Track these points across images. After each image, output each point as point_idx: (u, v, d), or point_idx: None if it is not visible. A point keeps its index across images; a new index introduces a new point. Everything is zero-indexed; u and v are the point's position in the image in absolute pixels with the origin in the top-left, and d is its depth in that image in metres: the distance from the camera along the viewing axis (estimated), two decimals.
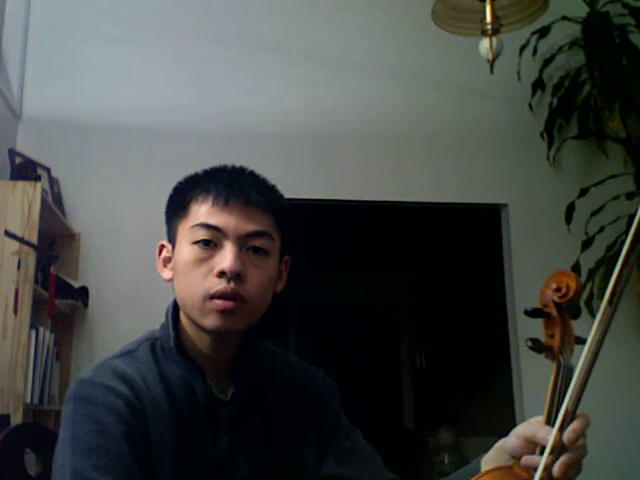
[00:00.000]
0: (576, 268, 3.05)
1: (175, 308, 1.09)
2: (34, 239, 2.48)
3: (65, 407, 1.01)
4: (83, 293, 2.94)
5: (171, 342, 1.06)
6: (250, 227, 1.04)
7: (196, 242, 1.03)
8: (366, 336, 6.60)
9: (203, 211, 1.04)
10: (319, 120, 3.31)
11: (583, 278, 3.05)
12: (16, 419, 2.33)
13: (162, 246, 1.11)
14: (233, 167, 1.10)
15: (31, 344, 2.47)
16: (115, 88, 3.20)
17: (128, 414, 0.98)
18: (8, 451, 1.02)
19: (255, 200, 1.05)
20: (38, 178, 2.71)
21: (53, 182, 2.95)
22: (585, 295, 3.06)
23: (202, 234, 1.03)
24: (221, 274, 1.01)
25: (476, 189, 3.37)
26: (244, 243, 1.04)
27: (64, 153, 3.09)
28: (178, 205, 1.08)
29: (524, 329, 3.15)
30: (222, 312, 1.01)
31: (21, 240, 2.44)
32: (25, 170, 2.75)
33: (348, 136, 3.31)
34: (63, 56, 3.23)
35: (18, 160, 2.83)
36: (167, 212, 1.11)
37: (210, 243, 1.03)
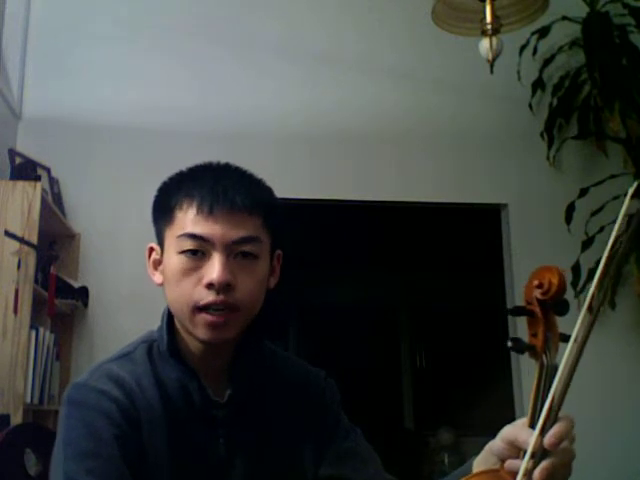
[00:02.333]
0: (576, 268, 3.05)
1: (170, 311, 1.09)
2: (34, 239, 2.48)
3: (60, 411, 1.02)
4: (83, 293, 2.94)
5: (164, 346, 1.06)
6: (237, 234, 1.02)
7: (183, 252, 1.02)
8: (366, 336, 6.60)
9: (188, 220, 1.02)
10: (319, 120, 3.31)
11: (583, 278, 3.05)
12: (16, 419, 2.33)
13: (151, 248, 1.10)
14: (217, 166, 1.08)
15: (31, 344, 2.47)
16: (115, 88, 3.20)
17: (120, 418, 0.98)
18: (8, 451, 1.02)
19: (240, 204, 1.02)
20: (38, 178, 2.71)
21: (53, 182, 2.95)
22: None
23: (188, 244, 1.01)
24: (210, 286, 0.99)
25: (476, 189, 3.37)
26: (232, 250, 1.01)
27: (64, 153, 3.09)
28: (163, 209, 1.06)
29: (524, 329, 3.14)
30: (210, 325, 1.00)
31: (21, 240, 2.44)
32: (25, 170, 2.75)
33: (349, 136, 3.31)
34: (63, 56, 3.23)
35: (18, 160, 2.83)
36: (153, 213, 1.10)
37: (197, 253, 1.01)
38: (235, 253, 1.02)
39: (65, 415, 1.00)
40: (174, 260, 1.02)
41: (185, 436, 1.02)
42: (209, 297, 0.99)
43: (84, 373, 1.04)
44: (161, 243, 1.07)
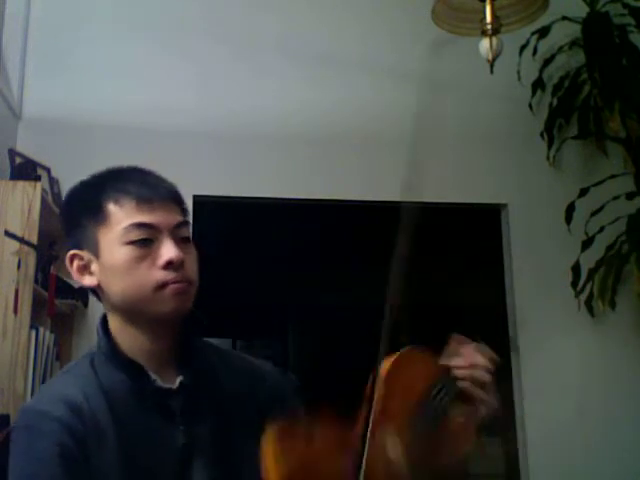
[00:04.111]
0: (576, 268, 3.06)
1: (104, 318, 1.13)
2: (34, 239, 2.48)
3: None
4: (83, 293, 2.94)
5: (102, 349, 1.10)
6: (175, 219, 1.10)
7: (131, 242, 1.06)
8: (366, 336, 6.59)
9: (128, 212, 1.07)
10: (320, 120, 3.31)
11: (583, 278, 3.06)
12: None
13: (73, 256, 1.12)
14: (128, 167, 1.16)
15: (31, 344, 2.47)
16: (115, 88, 3.20)
17: (64, 436, 1.00)
18: (8, 451, 1.02)
19: (167, 195, 1.11)
20: (38, 178, 2.71)
21: (53, 182, 2.95)
22: (585, 295, 3.07)
23: (137, 234, 1.06)
24: (168, 265, 1.05)
25: (476, 189, 3.37)
26: (175, 234, 1.09)
27: (64, 153, 3.08)
28: (89, 210, 1.10)
29: (524, 329, 3.15)
30: (176, 295, 1.06)
31: (21, 240, 2.44)
32: (25, 170, 2.74)
33: (348, 136, 3.31)
34: (63, 56, 3.23)
35: (18, 160, 2.83)
36: (72, 220, 1.13)
37: (146, 241, 1.06)
38: (177, 237, 1.09)
39: (12, 441, 1.03)
40: (122, 252, 1.06)
41: (140, 434, 1.03)
42: (169, 275, 1.06)
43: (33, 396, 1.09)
44: (93, 245, 1.09)
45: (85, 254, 1.10)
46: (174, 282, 1.06)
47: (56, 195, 2.94)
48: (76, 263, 1.12)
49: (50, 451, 0.99)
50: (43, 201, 2.56)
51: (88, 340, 2.97)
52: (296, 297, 6.17)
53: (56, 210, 2.79)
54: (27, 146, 3.02)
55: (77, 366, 1.12)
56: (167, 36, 3.29)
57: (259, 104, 3.28)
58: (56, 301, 2.69)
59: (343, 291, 6.45)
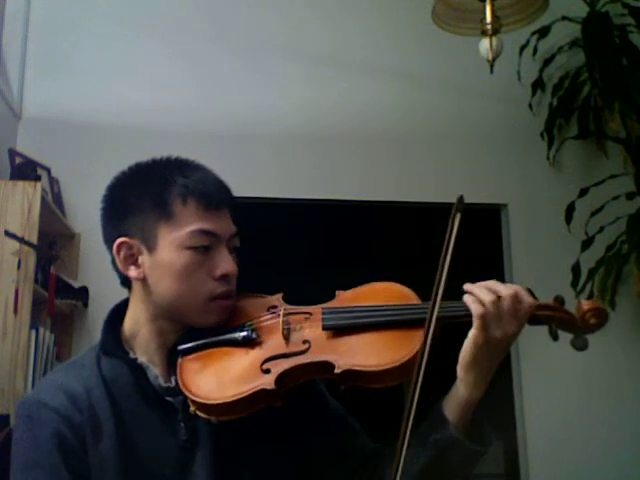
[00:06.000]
0: (576, 268, 3.05)
1: (112, 314, 1.12)
2: (34, 239, 2.48)
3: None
4: (83, 293, 2.94)
5: (107, 343, 1.09)
6: (232, 228, 1.09)
7: (193, 247, 1.04)
8: None
9: (196, 214, 1.05)
10: (320, 120, 3.31)
11: (583, 278, 3.05)
12: None
13: (122, 243, 1.07)
14: (190, 161, 1.14)
15: (31, 344, 2.47)
16: (115, 88, 3.20)
17: (62, 426, 1.01)
18: (8, 451, 1.02)
19: (227, 200, 1.10)
20: (38, 178, 2.71)
21: (53, 182, 2.95)
22: (585, 295, 3.07)
23: (201, 240, 1.05)
24: (224, 277, 1.05)
25: (476, 189, 3.37)
26: (229, 244, 1.09)
27: (64, 153, 3.08)
28: (151, 202, 1.06)
29: (524, 329, 3.15)
30: (224, 310, 1.07)
31: (21, 240, 2.44)
32: (25, 170, 2.74)
33: (349, 136, 3.31)
34: (63, 56, 3.22)
35: (18, 160, 2.83)
36: (131, 207, 1.09)
37: (207, 248, 1.05)
38: (230, 247, 1.09)
39: (14, 430, 1.04)
40: (182, 255, 1.04)
41: (141, 429, 1.03)
42: (223, 287, 1.06)
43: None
44: (147, 236, 1.06)
45: (135, 243, 1.07)
46: (224, 297, 1.06)
47: (56, 195, 2.94)
48: (124, 252, 1.07)
49: (50, 442, 1.00)
50: (43, 201, 2.56)
51: (88, 340, 2.97)
52: (295, 297, 6.15)
53: (56, 210, 2.79)
54: (27, 146, 3.02)
55: (81, 358, 1.11)
56: (167, 36, 3.28)
57: (259, 104, 3.28)
58: (56, 301, 2.69)
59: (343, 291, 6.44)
